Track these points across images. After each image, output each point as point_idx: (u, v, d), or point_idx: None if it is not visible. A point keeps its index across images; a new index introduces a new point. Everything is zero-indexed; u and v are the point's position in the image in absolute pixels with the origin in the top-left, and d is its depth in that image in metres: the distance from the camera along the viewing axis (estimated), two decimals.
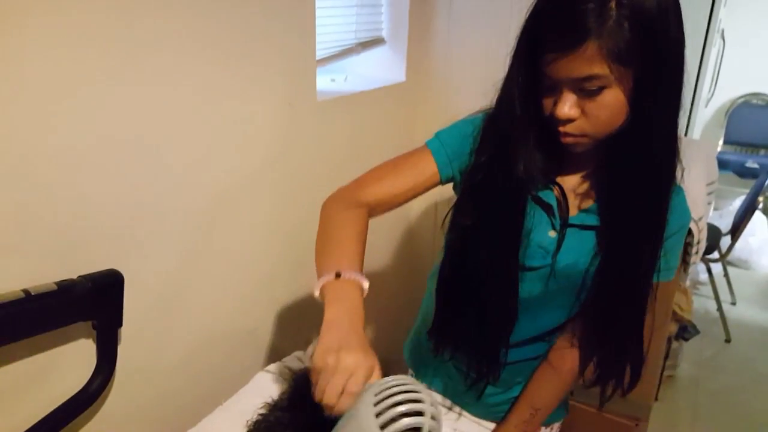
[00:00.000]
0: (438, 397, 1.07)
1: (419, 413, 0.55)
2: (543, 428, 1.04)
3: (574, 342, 0.91)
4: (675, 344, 2.19)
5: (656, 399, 1.96)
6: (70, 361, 0.82)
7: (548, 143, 0.78)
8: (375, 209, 0.88)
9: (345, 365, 0.61)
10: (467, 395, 0.97)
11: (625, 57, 0.66)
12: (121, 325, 0.85)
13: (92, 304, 0.78)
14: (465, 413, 1.04)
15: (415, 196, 0.91)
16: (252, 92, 1.04)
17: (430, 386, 1.08)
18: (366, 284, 0.73)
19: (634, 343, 0.87)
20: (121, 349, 0.88)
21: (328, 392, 0.61)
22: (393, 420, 0.55)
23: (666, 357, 2.07)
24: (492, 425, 1.01)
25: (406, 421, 0.55)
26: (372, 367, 0.62)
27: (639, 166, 0.75)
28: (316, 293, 0.72)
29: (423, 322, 1.09)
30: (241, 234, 1.11)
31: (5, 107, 0.68)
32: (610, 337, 0.87)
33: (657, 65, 0.68)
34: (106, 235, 0.84)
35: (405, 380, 0.59)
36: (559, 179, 0.84)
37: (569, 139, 0.75)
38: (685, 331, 2.04)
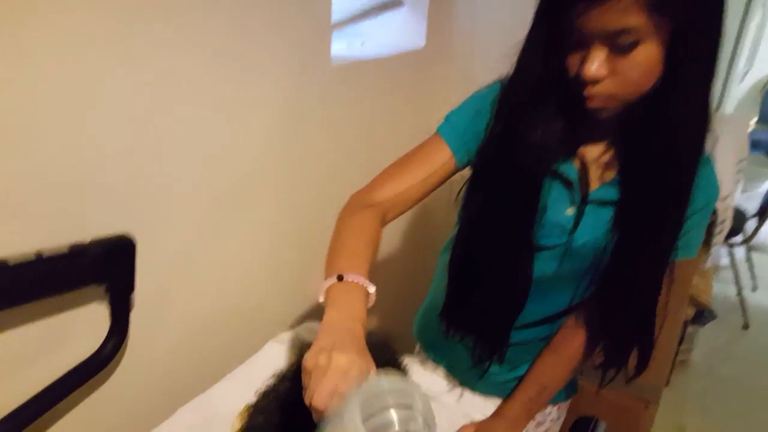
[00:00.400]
0: (441, 373, 1.07)
1: (409, 419, 0.52)
2: (550, 406, 1.04)
3: (582, 324, 0.90)
4: (690, 329, 2.17)
5: (667, 383, 1.94)
6: (83, 325, 0.83)
7: (569, 109, 0.73)
8: (390, 209, 0.84)
9: (336, 364, 0.56)
10: (471, 373, 0.97)
11: (664, 6, 0.61)
12: (133, 290, 0.86)
13: (104, 268, 0.79)
14: (471, 390, 1.04)
15: (433, 187, 0.87)
16: (264, 57, 1.01)
17: (436, 363, 1.08)
18: (371, 289, 0.69)
19: (645, 327, 0.84)
20: (134, 315, 0.89)
21: (318, 393, 0.55)
22: (382, 425, 0.52)
23: (680, 341, 2.05)
24: (498, 401, 1.00)
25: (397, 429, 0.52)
26: (367, 369, 0.58)
27: (668, 133, 0.71)
28: (321, 298, 0.69)
29: (433, 299, 1.09)
30: (253, 207, 1.10)
31: (18, 69, 0.67)
32: (621, 321, 0.85)
33: (696, 17, 0.63)
34: (119, 201, 0.84)
35: (395, 382, 0.56)
36: (580, 149, 0.80)
37: (595, 103, 0.69)
38: (702, 315, 2.01)
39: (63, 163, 0.75)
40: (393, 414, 0.53)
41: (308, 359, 0.59)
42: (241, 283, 1.14)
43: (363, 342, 0.62)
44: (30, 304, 0.75)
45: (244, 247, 1.12)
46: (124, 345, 0.88)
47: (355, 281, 0.68)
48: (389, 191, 0.84)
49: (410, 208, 0.88)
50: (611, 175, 0.80)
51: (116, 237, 0.82)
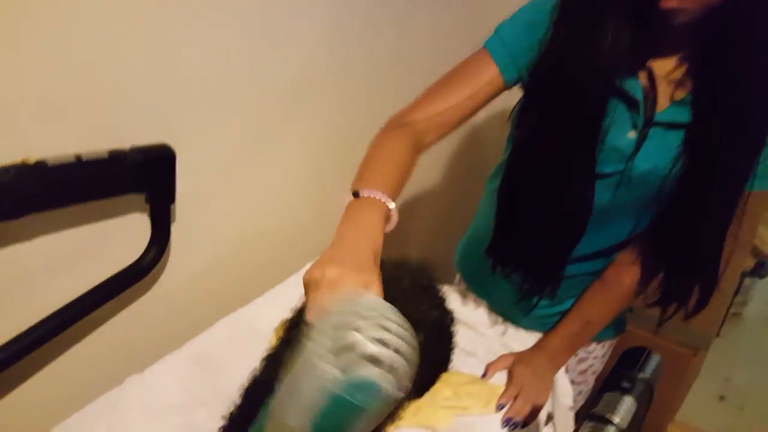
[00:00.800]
0: (482, 306, 1.04)
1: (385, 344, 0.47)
2: (594, 344, 1.00)
3: (637, 257, 0.84)
4: (748, 280, 2.07)
5: (718, 335, 1.87)
6: (125, 234, 0.84)
7: (640, 11, 0.65)
8: (427, 131, 0.78)
9: (328, 279, 0.53)
10: (515, 308, 0.93)
11: None
12: (173, 200, 0.85)
13: (143, 176, 0.78)
14: (513, 325, 1.02)
15: (475, 107, 0.81)
16: None
17: (477, 296, 1.05)
18: (390, 204, 0.64)
19: (711, 260, 0.78)
20: (176, 227, 0.89)
21: (308, 309, 0.54)
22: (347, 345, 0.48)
23: (736, 292, 1.95)
24: (540, 335, 0.97)
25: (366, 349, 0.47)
26: (364, 284, 0.54)
27: (752, 42, 0.63)
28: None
29: (477, 228, 1.05)
30: (298, 126, 1.07)
31: None
32: (685, 253, 0.78)
33: None
34: (160, 109, 0.82)
35: (375, 302, 0.52)
36: (648, 63, 0.72)
37: (672, 3, 0.61)
38: (762, 267, 1.90)
39: (106, 69, 0.73)
40: (358, 336, 0.48)
41: (305, 274, 0.56)
42: (283, 203, 1.13)
43: (367, 257, 0.57)
44: (71, 209, 0.76)
45: (287, 167, 1.10)
46: (165, 256, 0.89)
47: (372, 196, 0.64)
48: (426, 112, 0.79)
49: (452, 129, 0.82)
50: (683, 93, 0.72)
51: (156, 146, 0.80)
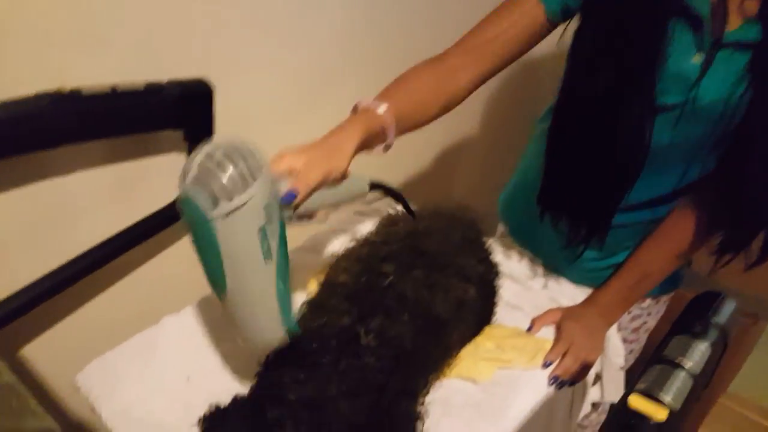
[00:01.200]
0: (528, 258, 0.98)
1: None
2: (649, 300, 0.94)
3: (698, 204, 0.77)
4: None
5: None
6: (164, 172, 0.83)
7: None
8: (462, 65, 0.74)
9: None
10: (562, 256, 0.88)
11: None
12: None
13: (180, 111, 0.76)
14: (561, 278, 0.96)
15: (514, 42, 0.75)
16: None
17: (522, 248, 1.00)
18: (380, 108, 0.66)
19: None
20: None
21: None
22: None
23: None
24: (590, 291, 0.91)
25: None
26: (305, 161, 0.58)
27: None
28: None
29: (524, 175, 0.99)
30: (342, 74, 1.03)
31: None
32: (749, 199, 0.70)
33: None
34: (200, 44, 0.79)
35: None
36: None
37: None
38: None
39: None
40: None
41: None
42: None
43: (331, 147, 0.61)
44: (110, 145, 0.74)
45: (330, 118, 1.06)
46: None
47: (362, 107, 0.67)
48: (462, 47, 0.75)
49: (491, 67, 0.76)
50: (755, 5, 0.63)
51: (193, 80, 0.78)
